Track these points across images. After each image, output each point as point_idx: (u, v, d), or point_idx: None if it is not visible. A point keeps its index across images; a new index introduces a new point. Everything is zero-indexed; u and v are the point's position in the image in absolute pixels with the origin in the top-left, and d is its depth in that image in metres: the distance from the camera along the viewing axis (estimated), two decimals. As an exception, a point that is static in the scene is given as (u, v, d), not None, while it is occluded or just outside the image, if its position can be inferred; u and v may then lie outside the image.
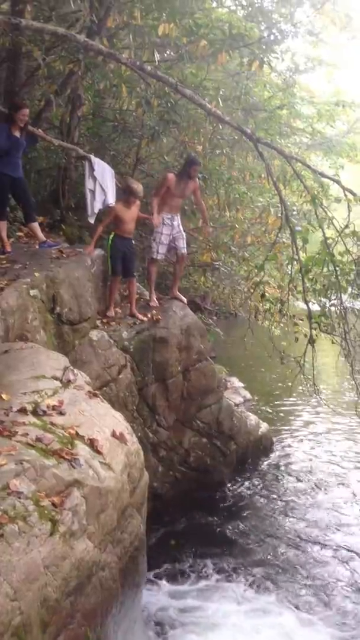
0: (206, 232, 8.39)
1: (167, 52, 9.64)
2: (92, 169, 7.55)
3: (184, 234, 7.48)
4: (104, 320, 6.65)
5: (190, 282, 11.45)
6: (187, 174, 7.19)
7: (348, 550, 6.27)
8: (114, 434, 3.80)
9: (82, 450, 3.44)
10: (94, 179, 7.53)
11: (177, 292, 7.58)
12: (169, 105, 8.06)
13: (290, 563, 6.00)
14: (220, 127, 8.97)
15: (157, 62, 8.09)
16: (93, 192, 7.54)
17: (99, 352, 6.20)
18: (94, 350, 6.17)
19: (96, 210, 7.55)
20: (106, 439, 3.68)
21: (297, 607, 5.26)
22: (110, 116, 9.56)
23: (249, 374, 11.64)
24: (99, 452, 3.53)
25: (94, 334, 6.29)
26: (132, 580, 3.81)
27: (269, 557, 6.11)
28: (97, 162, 7.64)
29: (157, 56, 8.12)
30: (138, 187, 6.92)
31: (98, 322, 6.54)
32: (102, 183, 7.57)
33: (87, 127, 9.83)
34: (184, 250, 7.56)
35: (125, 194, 6.98)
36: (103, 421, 3.88)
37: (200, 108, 7.41)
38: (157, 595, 5.31)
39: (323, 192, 8.42)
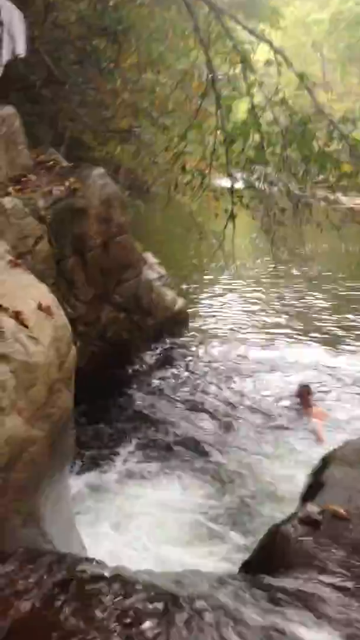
0: None
1: None
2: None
3: None
4: (16, 187, 6.11)
5: (103, 152, 10.74)
6: None
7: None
8: (40, 307, 3.52)
9: (7, 323, 3.17)
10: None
11: None
12: None
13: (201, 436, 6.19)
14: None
15: None
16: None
17: (12, 221, 5.73)
18: (7, 220, 5.70)
19: (4, 62, 6.69)
20: (32, 312, 3.41)
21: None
22: None
23: (164, 251, 11.47)
24: (25, 326, 3.27)
25: (6, 202, 5.78)
26: (61, 456, 3.73)
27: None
28: (2, 4, 6.67)
29: None
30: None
31: (10, 189, 6.00)
32: (10, 29, 6.66)
33: None
34: None
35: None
36: (27, 293, 3.59)
37: None
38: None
39: (251, 54, 7.88)
